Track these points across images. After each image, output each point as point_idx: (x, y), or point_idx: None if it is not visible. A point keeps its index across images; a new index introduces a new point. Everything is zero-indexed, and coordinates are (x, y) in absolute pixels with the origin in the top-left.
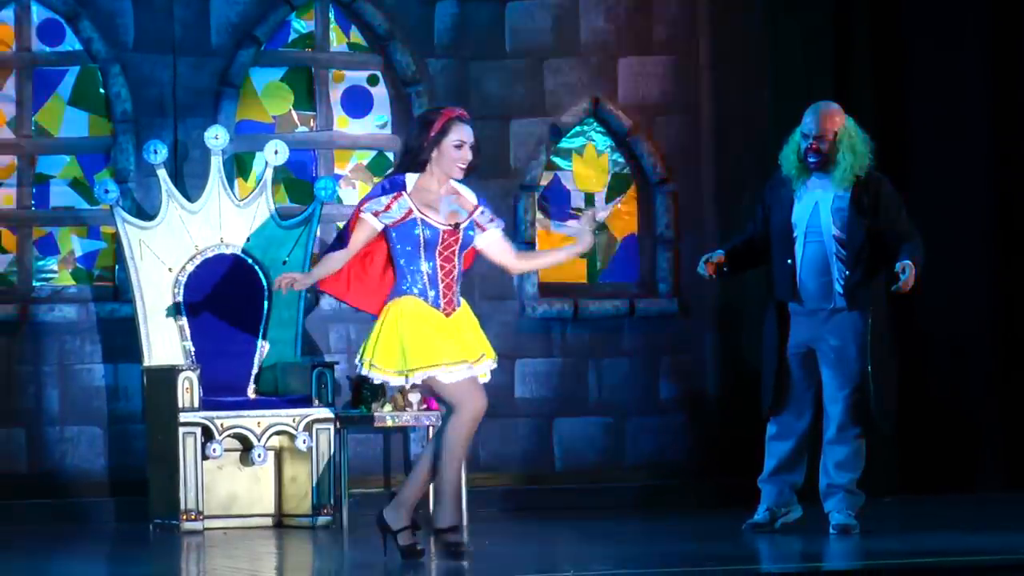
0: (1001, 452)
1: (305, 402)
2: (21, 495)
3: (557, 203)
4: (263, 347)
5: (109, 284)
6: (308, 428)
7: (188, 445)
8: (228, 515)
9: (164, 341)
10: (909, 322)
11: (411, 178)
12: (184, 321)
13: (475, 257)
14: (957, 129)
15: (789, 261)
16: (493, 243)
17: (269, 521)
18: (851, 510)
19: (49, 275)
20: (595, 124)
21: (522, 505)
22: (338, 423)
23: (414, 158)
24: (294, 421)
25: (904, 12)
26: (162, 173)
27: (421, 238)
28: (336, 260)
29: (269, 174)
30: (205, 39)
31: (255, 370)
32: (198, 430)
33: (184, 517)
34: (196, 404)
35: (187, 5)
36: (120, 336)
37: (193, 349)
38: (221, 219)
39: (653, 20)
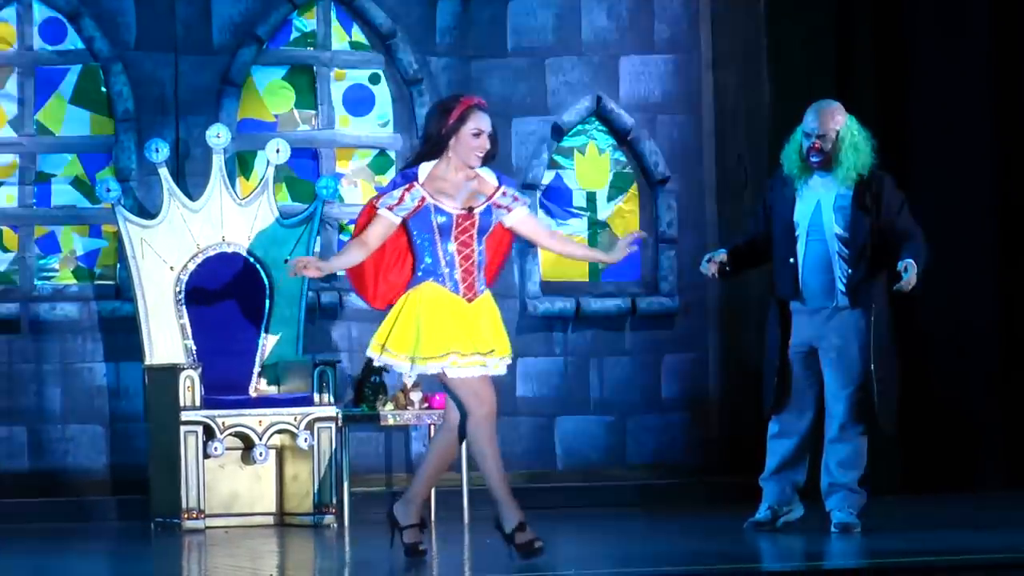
0: (1002, 451)
1: (307, 401)
2: (23, 493)
3: (559, 202)
4: (264, 345)
5: (111, 283)
6: (310, 427)
7: (190, 444)
8: (229, 514)
9: (165, 340)
10: (910, 321)
11: (424, 169)
12: (185, 320)
13: (511, 244)
14: (958, 129)
15: (791, 260)
16: (520, 221)
17: (270, 520)
18: (853, 509)
19: (51, 274)
20: (597, 123)
21: (523, 504)
22: (340, 421)
23: (432, 146)
24: (295, 420)
25: (905, 11)
26: (164, 172)
27: (435, 224)
28: (353, 253)
29: (271, 173)
30: (207, 38)
31: (256, 368)
32: (199, 429)
33: (185, 516)
34: (197, 403)
35: (189, 4)
36: (122, 335)
37: (195, 348)
38: (223, 218)
39: (655, 19)
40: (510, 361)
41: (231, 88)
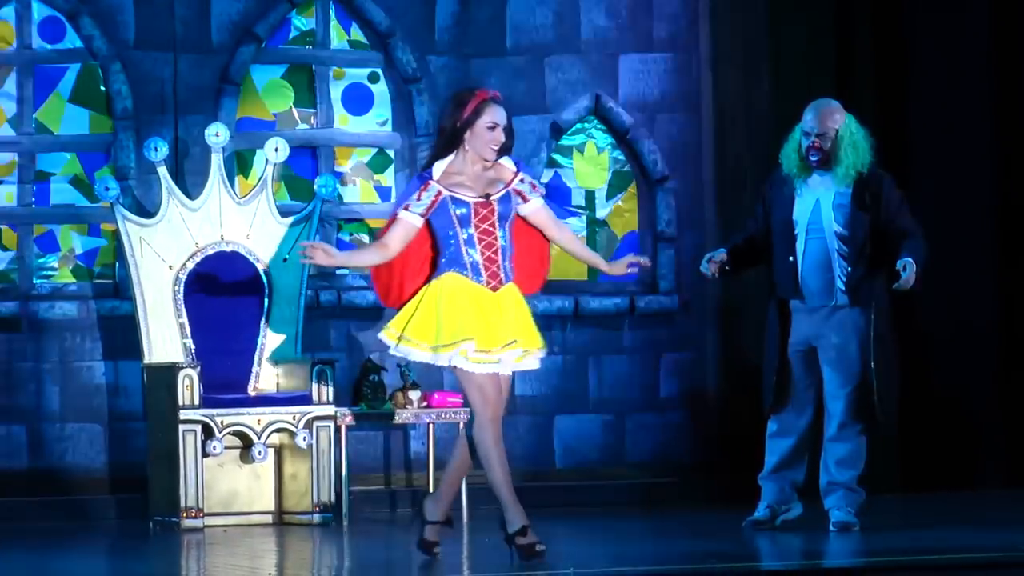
0: (1002, 450)
1: (305, 399)
2: (21, 492)
3: (557, 201)
4: (263, 344)
5: (109, 281)
6: (308, 425)
7: (188, 442)
8: (228, 512)
9: (164, 338)
10: (910, 321)
11: (439, 167)
12: (184, 318)
13: (545, 243)
14: (958, 129)
15: (791, 258)
16: (534, 213)
17: (269, 518)
18: (851, 507)
19: (49, 272)
20: (596, 121)
21: (522, 502)
22: (338, 420)
23: (448, 139)
24: (294, 418)
25: (905, 11)
26: (163, 170)
27: (454, 215)
28: (369, 254)
29: (270, 171)
30: (206, 36)
31: (255, 367)
32: (198, 427)
33: (184, 514)
34: (196, 401)
35: (188, 2)
36: (120, 333)
37: (193, 346)
38: (221, 216)
39: (654, 17)
40: (543, 355)
41: (230, 87)
